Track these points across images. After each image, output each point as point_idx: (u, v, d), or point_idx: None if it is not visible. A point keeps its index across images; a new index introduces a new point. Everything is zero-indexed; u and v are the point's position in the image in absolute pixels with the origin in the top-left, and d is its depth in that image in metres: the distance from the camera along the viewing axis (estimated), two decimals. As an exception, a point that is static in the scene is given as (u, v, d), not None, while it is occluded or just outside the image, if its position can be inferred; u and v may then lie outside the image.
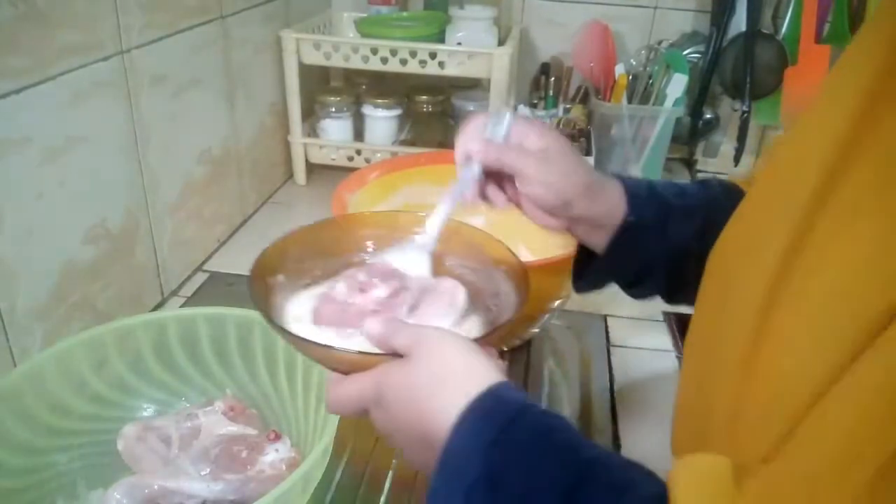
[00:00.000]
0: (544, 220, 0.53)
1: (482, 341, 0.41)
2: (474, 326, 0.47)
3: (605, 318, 0.91)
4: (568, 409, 0.76)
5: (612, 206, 0.53)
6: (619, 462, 0.33)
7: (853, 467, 0.25)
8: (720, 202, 0.53)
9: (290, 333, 0.41)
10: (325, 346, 0.40)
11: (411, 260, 0.49)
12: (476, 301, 0.49)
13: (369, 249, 0.54)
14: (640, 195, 0.53)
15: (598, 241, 0.54)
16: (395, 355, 0.39)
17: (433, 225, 0.51)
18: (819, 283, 0.30)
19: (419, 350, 0.38)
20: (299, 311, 0.47)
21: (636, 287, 0.58)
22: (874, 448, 0.24)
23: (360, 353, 0.40)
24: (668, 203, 0.54)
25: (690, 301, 0.55)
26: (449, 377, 0.37)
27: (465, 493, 0.33)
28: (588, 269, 0.57)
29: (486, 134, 0.51)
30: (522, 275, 0.48)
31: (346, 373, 0.41)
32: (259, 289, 0.46)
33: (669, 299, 0.59)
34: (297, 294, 0.49)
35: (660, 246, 0.54)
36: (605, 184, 0.53)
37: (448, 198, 0.51)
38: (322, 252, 0.52)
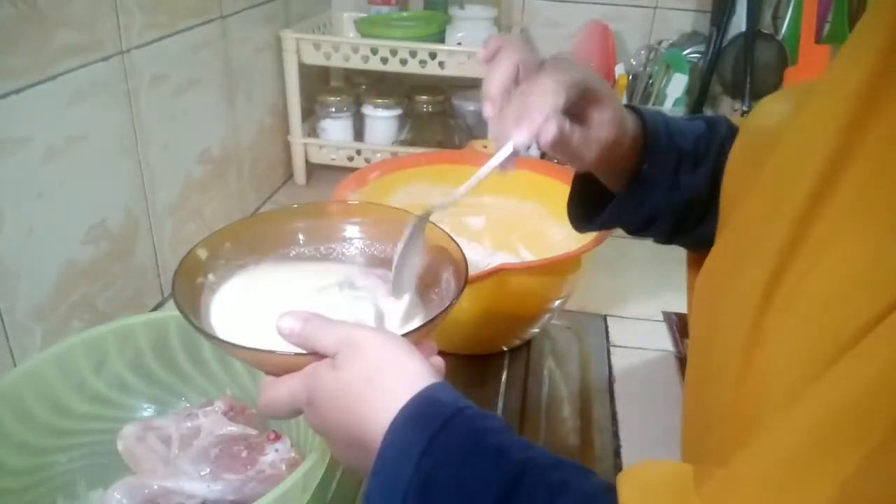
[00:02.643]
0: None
1: (415, 335, 0.39)
2: (412, 315, 0.46)
3: (605, 318, 0.91)
4: (568, 408, 0.76)
5: (629, 153, 0.52)
6: (553, 462, 0.33)
7: (819, 470, 0.24)
8: (727, 148, 0.53)
9: (214, 338, 0.40)
10: (251, 348, 0.39)
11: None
12: (417, 289, 0.48)
13: (300, 242, 0.53)
14: (658, 144, 0.52)
15: (609, 180, 0.54)
16: (320, 355, 0.38)
17: (463, 188, 0.46)
18: (810, 290, 0.30)
19: (347, 352, 0.37)
20: (224, 302, 0.46)
21: (641, 231, 0.58)
22: (840, 455, 0.24)
23: (288, 354, 0.39)
24: (683, 151, 0.53)
25: (683, 244, 0.58)
26: (379, 381, 0.36)
27: (399, 501, 0.33)
28: (595, 213, 0.57)
29: (553, 107, 0.44)
30: (461, 261, 0.46)
31: (278, 374, 0.40)
32: (184, 290, 0.44)
33: (666, 242, 0.59)
34: (221, 287, 0.48)
35: (669, 197, 0.54)
36: (631, 132, 0.51)
37: (487, 168, 0.46)
38: (253, 248, 0.51)
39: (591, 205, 0.58)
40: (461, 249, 0.48)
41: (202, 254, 0.48)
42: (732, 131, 0.55)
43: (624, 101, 1.21)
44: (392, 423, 0.34)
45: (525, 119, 0.43)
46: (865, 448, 0.23)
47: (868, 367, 0.25)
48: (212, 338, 0.40)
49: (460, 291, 0.43)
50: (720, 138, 0.54)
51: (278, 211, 0.55)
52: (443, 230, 0.50)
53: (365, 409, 0.36)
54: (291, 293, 0.48)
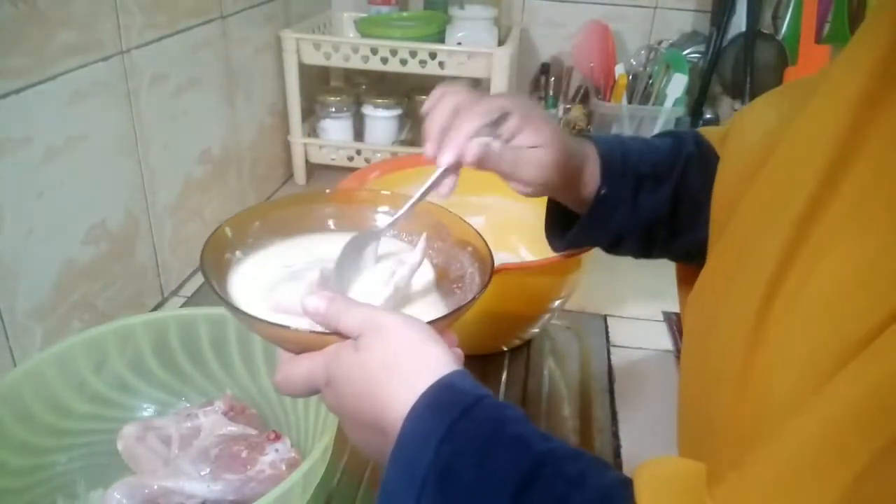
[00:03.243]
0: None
1: (438, 325, 0.39)
2: (434, 308, 0.47)
3: (605, 318, 0.91)
4: (568, 409, 0.76)
5: (588, 180, 0.55)
6: (571, 454, 0.33)
7: (826, 475, 0.24)
8: (692, 166, 0.56)
9: (239, 310, 0.40)
10: (274, 324, 0.39)
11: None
12: (441, 283, 0.49)
13: (331, 228, 0.54)
14: (614, 168, 0.55)
15: (574, 206, 0.58)
16: (343, 336, 0.38)
17: (400, 212, 0.51)
18: (811, 292, 0.30)
19: (370, 334, 0.37)
20: (246, 278, 0.47)
21: (613, 249, 0.61)
22: (849, 457, 0.24)
23: (312, 332, 0.39)
24: (641, 174, 0.56)
25: (660, 256, 0.61)
26: (399, 366, 0.36)
27: (417, 487, 0.32)
28: (565, 233, 0.60)
29: (477, 134, 0.50)
30: (487, 257, 0.47)
31: (297, 352, 0.40)
32: (212, 263, 0.45)
33: (641, 257, 0.62)
34: (244, 262, 0.49)
35: (631, 217, 0.56)
36: (583, 158, 0.55)
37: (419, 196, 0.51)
38: (282, 230, 0.52)
39: (563, 226, 0.60)
40: (487, 245, 0.48)
41: (229, 231, 0.48)
42: (700, 148, 0.57)
43: (624, 101, 1.21)
44: (411, 409, 0.34)
45: (450, 141, 0.49)
46: (874, 449, 0.23)
47: (876, 370, 0.25)
48: (237, 311, 0.40)
49: (485, 286, 0.44)
50: (685, 156, 0.56)
51: (309, 194, 0.56)
52: (470, 225, 0.50)
53: (384, 394, 0.35)
54: (306, 266, 0.48)
